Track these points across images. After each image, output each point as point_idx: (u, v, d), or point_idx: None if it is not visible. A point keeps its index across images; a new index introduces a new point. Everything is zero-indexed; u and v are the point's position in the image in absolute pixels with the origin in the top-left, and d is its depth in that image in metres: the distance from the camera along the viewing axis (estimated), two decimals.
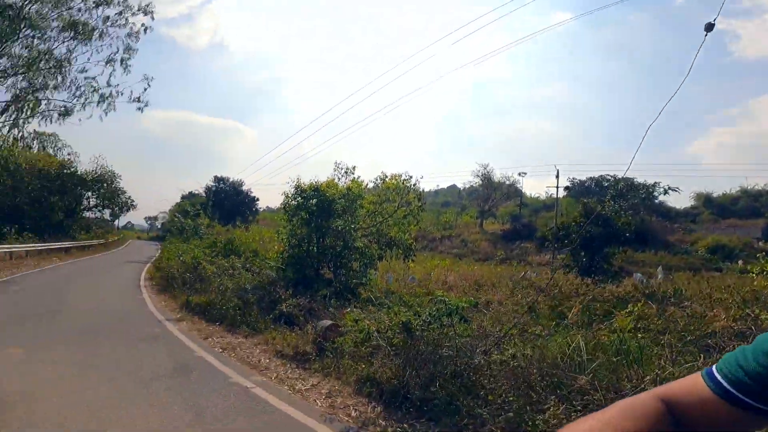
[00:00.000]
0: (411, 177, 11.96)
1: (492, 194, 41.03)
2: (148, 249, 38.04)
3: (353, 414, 4.65)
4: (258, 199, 54.65)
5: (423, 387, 4.74)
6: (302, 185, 12.29)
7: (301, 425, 4.20)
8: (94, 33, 15.32)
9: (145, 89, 17.45)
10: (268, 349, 6.95)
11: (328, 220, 11.48)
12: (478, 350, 4.88)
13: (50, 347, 5.57)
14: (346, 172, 12.57)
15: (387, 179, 12.56)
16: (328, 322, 7.20)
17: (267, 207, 59.60)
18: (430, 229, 31.30)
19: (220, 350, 6.72)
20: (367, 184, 13.27)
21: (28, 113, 14.60)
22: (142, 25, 16.71)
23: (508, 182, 41.03)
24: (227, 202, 48.75)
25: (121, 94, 16.59)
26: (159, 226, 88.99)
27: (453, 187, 69.76)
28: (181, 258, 15.43)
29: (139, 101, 17.36)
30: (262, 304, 9.05)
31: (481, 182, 41.02)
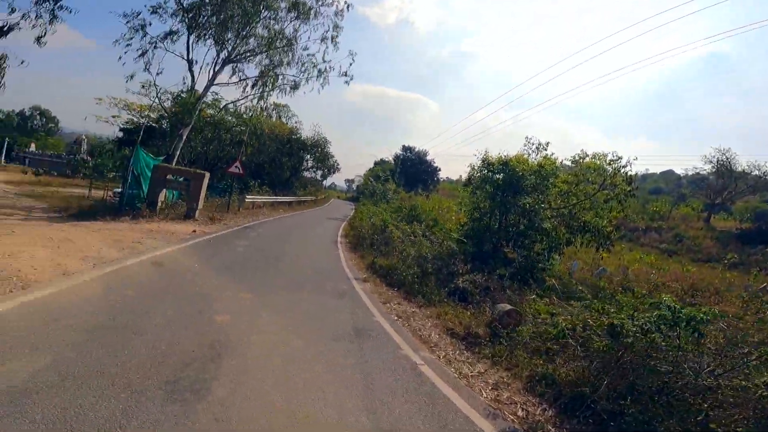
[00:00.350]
0: (620, 158, 9.95)
1: (730, 185, 31.78)
2: (345, 208, 43.62)
3: (520, 413, 4.17)
4: (440, 169, 56.15)
5: (614, 399, 4.00)
6: (489, 158, 11.71)
7: (463, 417, 3.87)
8: (311, 12, 17.49)
9: (350, 64, 19.14)
10: (439, 324, 6.84)
11: (515, 197, 10.61)
12: (705, 370, 3.98)
13: (268, 294, 6.66)
14: (537, 148, 11.73)
15: (587, 158, 10.85)
16: (508, 307, 6.61)
17: (447, 178, 60.88)
18: (632, 218, 26.35)
19: (396, 317, 6.89)
20: (562, 162, 11.81)
21: (270, 87, 17.70)
22: (345, 2, 18.11)
23: (757, 172, 30.96)
24: (412, 170, 51.51)
25: (333, 69, 18.60)
26: (354, 188, 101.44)
27: (669, 173, 58.83)
28: (371, 220, 16.91)
29: (346, 75, 19.15)
30: (439, 275, 9.01)
31: (714, 170, 32.13)
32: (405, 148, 55.52)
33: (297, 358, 4.25)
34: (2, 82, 9.20)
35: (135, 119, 21.63)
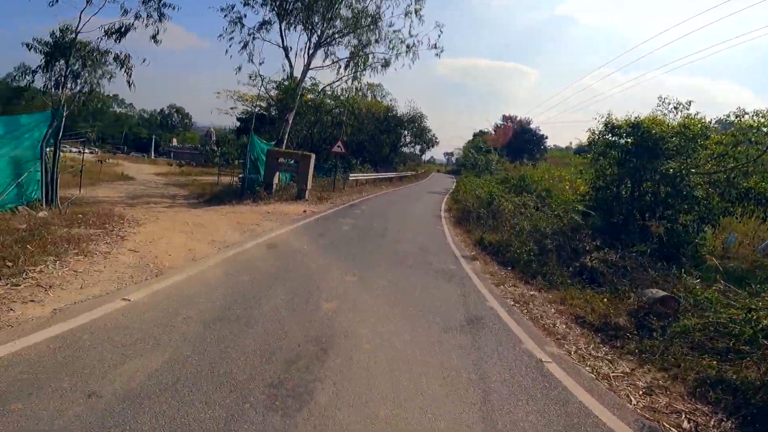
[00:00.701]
0: None
1: None
2: (445, 181, 42.65)
3: (686, 425, 3.27)
4: (546, 137, 51.60)
5: None
6: (614, 121, 10.02)
7: (608, 431, 3.07)
8: None
9: (439, 36, 18.32)
10: (565, 311, 5.89)
11: (652, 161, 8.79)
12: None
13: (373, 276, 6.37)
14: (675, 108, 10.05)
15: (746, 116, 8.71)
16: (661, 293, 5.39)
17: (554, 145, 55.99)
18: None
19: (512, 302, 6.13)
20: (710, 122, 9.67)
21: (362, 67, 17.59)
22: None
23: None
24: (514, 139, 48.24)
25: (421, 43, 17.94)
26: (454, 161, 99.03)
27: None
28: (476, 192, 15.94)
29: (435, 47, 18.20)
30: (561, 253, 7.91)
31: None
32: (505, 118, 52.15)
33: (404, 356, 3.83)
34: (131, 81, 10.29)
35: (248, 109, 23.40)
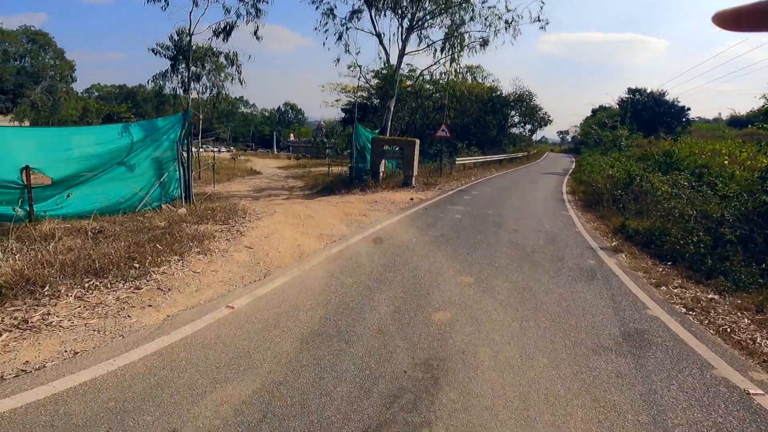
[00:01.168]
0: None
1: None
2: (562, 161, 38.30)
3: None
4: (688, 109, 42.95)
5: None
6: None
7: None
8: None
9: (541, 7, 15.76)
10: (765, 322, 4.21)
11: None
12: None
13: (493, 276, 5.33)
14: None
15: None
16: None
17: (698, 117, 46.95)
18: None
19: (684, 310, 4.58)
20: None
21: (459, 48, 16.23)
22: None
23: None
24: (645, 113, 41.13)
25: (521, 17, 15.83)
26: (569, 140, 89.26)
27: None
28: (609, 172, 13.51)
29: (539, 20, 15.84)
30: (749, 245, 5.87)
31: None
32: (632, 91, 44.57)
33: (541, 389, 2.82)
34: (241, 79, 10.65)
35: (351, 99, 23.60)
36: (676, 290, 5.19)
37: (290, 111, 74.76)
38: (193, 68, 10.90)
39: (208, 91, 21.68)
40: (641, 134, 32.30)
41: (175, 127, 10.43)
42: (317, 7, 16.03)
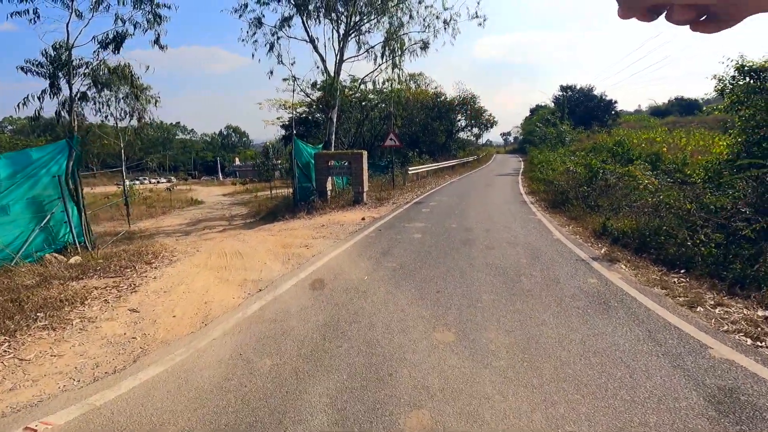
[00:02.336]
0: None
1: None
2: (510, 162, 38.37)
3: None
4: (615, 102, 45.09)
5: None
6: (751, 64, 7.89)
7: None
8: None
9: (478, 3, 15.14)
10: None
11: None
12: None
13: (480, 325, 3.71)
14: None
15: None
16: None
17: (622, 110, 50.02)
18: None
19: (749, 341, 3.27)
20: None
21: (399, 52, 15.14)
22: None
23: None
24: (579, 108, 42.65)
25: (459, 16, 15.17)
26: (512, 140, 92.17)
27: None
28: (569, 167, 12.62)
29: (477, 16, 15.15)
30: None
31: None
32: (564, 88, 46.25)
33: None
34: (138, 95, 8.65)
35: (292, 115, 21.74)
36: (717, 311, 3.86)
37: (233, 134, 70.95)
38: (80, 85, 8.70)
39: (128, 117, 19.05)
40: (582, 128, 32.93)
41: (58, 158, 8.18)
42: (240, 15, 14.23)
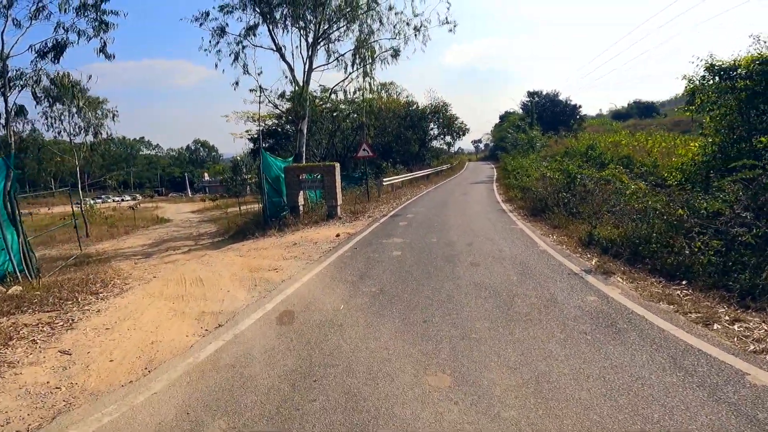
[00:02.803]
0: None
1: None
2: (483, 169, 38.62)
3: None
4: (580, 106, 46.57)
5: None
6: (721, 63, 7.55)
7: None
8: None
9: (448, 8, 15.06)
10: None
11: None
12: None
13: (479, 363, 3.15)
14: None
15: None
16: None
17: (585, 114, 51.94)
18: None
19: None
20: None
21: (370, 60, 14.79)
22: None
23: None
24: (545, 113, 43.70)
25: (429, 22, 15.03)
26: (483, 147, 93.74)
27: None
28: (544, 173, 12.44)
29: (447, 22, 15.07)
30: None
31: None
32: (531, 94, 47.31)
33: None
34: (80, 105, 7.80)
35: (262, 127, 20.89)
36: (736, 328, 3.46)
37: (201, 148, 68.62)
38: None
39: (83, 132, 17.64)
40: (550, 133, 33.51)
41: None
42: (201, 24, 13.46)
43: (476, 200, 15.16)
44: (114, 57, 8.68)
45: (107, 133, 17.66)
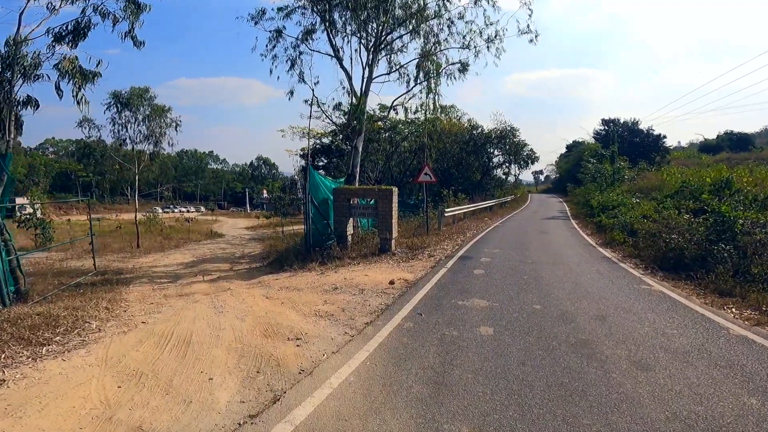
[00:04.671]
0: None
1: None
2: (551, 203, 34.58)
3: None
4: (665, 136, 41.12)
5: None
6: None
7: None
8: None
9: (530, 15, 12.46)
10: None
11: None
12: None
13: None
14: None
15: None
16: None
17: (678, 143, 45.82)
18: None
19: None
20: None
21: (435, 74, 12.57)
22: None
23: None
24: (623, 143, 38.91)
25: (506, 31, 12.47)
26: (543, 179, 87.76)
27: None
28: (666, 213, 9.26)
29: (529, 31, 12.56)
30: None
31: None
32: (606, 122, 42.73)
33: None
34: (79, 97, 6.10)
35: (319, 144, 19.35)
36: None
37: (263, 165, 70.06)
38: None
39: (147, 141, 17.10)
40: (645, 163, 29.11)
41: None
42: (256, 23, 12.13)
43: (562, 242, 12.04)
44: (144, 44, 7.15)
45: (170, 142, 16.99)
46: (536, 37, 12.97)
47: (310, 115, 11.53)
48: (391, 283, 6.71)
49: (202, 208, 51.23)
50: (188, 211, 46.98)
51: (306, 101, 11.17)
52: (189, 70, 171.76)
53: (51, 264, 10.91)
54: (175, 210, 47.33)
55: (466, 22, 12.86)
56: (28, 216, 12.08)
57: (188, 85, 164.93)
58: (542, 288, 6.26)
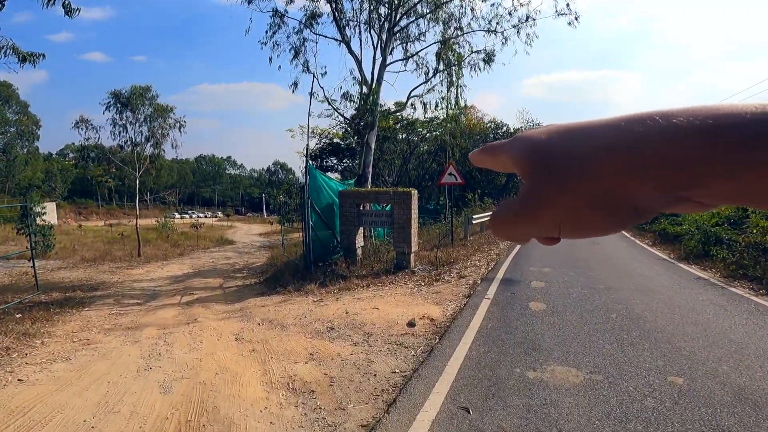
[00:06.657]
0: None
1: None
2: None
3: None
4: None
5: None
6: None
7: None
8: None
9: None
10: None
11: None
12: None
13: None
14: None
15: None
16: None
17: None
18: None
19: None
20: None
21: (457, 65, 10.57)
22: None
23: None
24: None
25: (539, 13, 10.24)
26: None
27: None
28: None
29: (569, 11, 10.31)
30: None
31: None
32: None
33: None
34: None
35: (328, 143, 17.38)
36: None
37: (280, 170, 68.79)
38: None
39: (149, 144, 15.68)
40: None
41: None
42: (250, 2, 10.27)
43: (625, 255, 9.59)
44: (79, 11, 5.31)
45: (173, 144, 15.63)
46: (576, 19, 10.72)
47: (310, 104, 9.51)
48: (411, 325, 4.51)
49: (219, 214, 50.18)
50: (206, 217, 45.95)
51: (311, 93, 9.30)
52: (211, 76, 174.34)
53: (41, 274, 9.26)
54: (193, 215, 46.41)
55: (492, 5, 10.83)
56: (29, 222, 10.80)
57: (210, 90, 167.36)
58: (653, 336, 3.95)
